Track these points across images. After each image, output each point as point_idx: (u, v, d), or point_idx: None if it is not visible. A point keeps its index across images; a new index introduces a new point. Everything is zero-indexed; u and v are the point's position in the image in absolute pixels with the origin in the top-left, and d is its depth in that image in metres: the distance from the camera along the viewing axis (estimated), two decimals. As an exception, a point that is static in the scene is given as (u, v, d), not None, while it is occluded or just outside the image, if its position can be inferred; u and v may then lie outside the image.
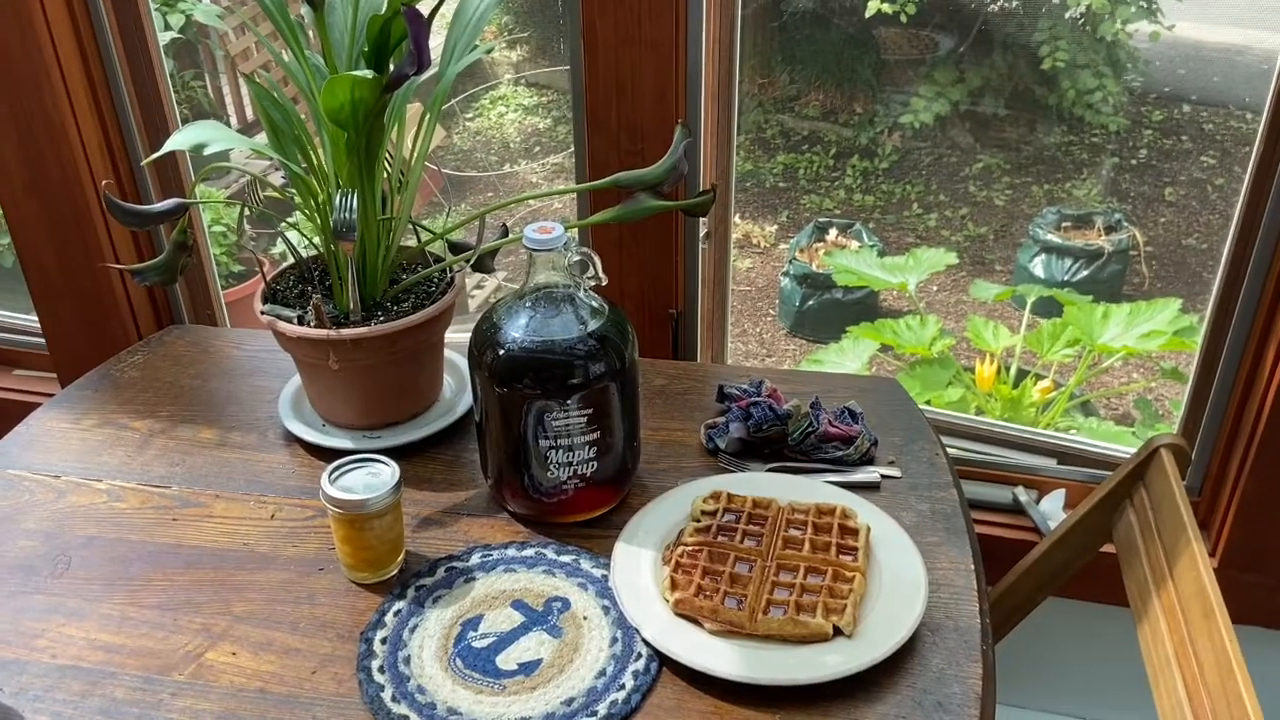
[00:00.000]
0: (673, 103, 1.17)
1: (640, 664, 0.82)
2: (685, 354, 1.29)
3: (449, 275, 1.07)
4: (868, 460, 1.03)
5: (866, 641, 0.81)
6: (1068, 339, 2.28)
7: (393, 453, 1.02)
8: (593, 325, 0.92)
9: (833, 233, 3.22)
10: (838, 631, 0.82)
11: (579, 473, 0.93)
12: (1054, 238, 3.11)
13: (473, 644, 0.84)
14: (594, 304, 0.93)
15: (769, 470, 1.03)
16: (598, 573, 0.91)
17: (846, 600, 0.84)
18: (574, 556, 0.92)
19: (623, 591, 0.87)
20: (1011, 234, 3.59)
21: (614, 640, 0.84)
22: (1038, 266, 3.12)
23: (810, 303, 3.08)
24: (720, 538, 0.91)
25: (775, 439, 1.04)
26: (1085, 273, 3.05)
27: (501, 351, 0.91)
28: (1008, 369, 2.31)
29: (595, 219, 1.06)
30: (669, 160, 1.03)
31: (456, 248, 1.09)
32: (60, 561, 0.93)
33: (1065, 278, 3.04)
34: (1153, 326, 2.14)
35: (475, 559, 0.92)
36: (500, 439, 0.95)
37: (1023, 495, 1.26)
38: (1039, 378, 2.31)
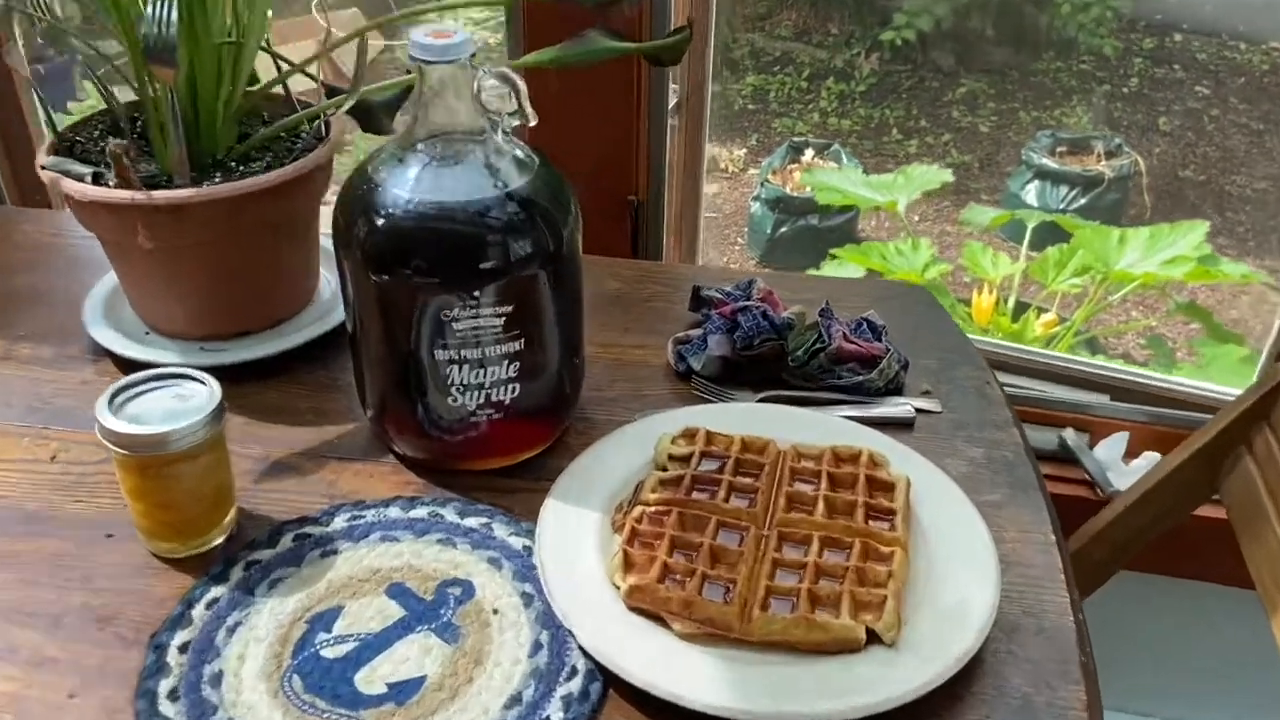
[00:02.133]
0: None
1: (575, 685, 0.54)
2: (648, 253, 1.00)
3: (322, 127, 0.77)
4: (895, 389, 0.76)
5: (915, 654, 0.54)
6: (1076, 266, 2.02)
7: (242, 373, 0.72)
8: (515, 184, 0.62)
9: (809, 154, 2.92)
10: (872, 637, 0.55)
11: (494, 399, 0.65)
12: (1049, 163, 2.84)
13: (322, 652, 0.55)
14: (518, 154, 0.64)
15: (762, 400, 0.75)
16: (517, 543, 0.62)
17: (885, 589, 0.56)
18: (485, 520, 0.64)
19: (552, 573, 0.58)
20: (998, 162, 3.33)
21: (536, 648, 0.56)
22: (1030, 194, 2.85)
23: (783, 229, 2.79)
24: (696, 494, 0.63)
25: (770, 359, 0.75)
26: (1083, 201, 2.79)
27: (379, 221, 0.61)
28: (1005, 301, 2.06)
29: (529, 59, 0.76)
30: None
31: (336, 92, 0.79)
32: None
33: (1061, 206, 2.78)
34: (1177, 252, 1.88)
35: (339, 523, 0.64)
36: (381, 352, 0.65)
37: (1072, 439, 0.99)
38: (1041, 311, 2.06)
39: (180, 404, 0.59)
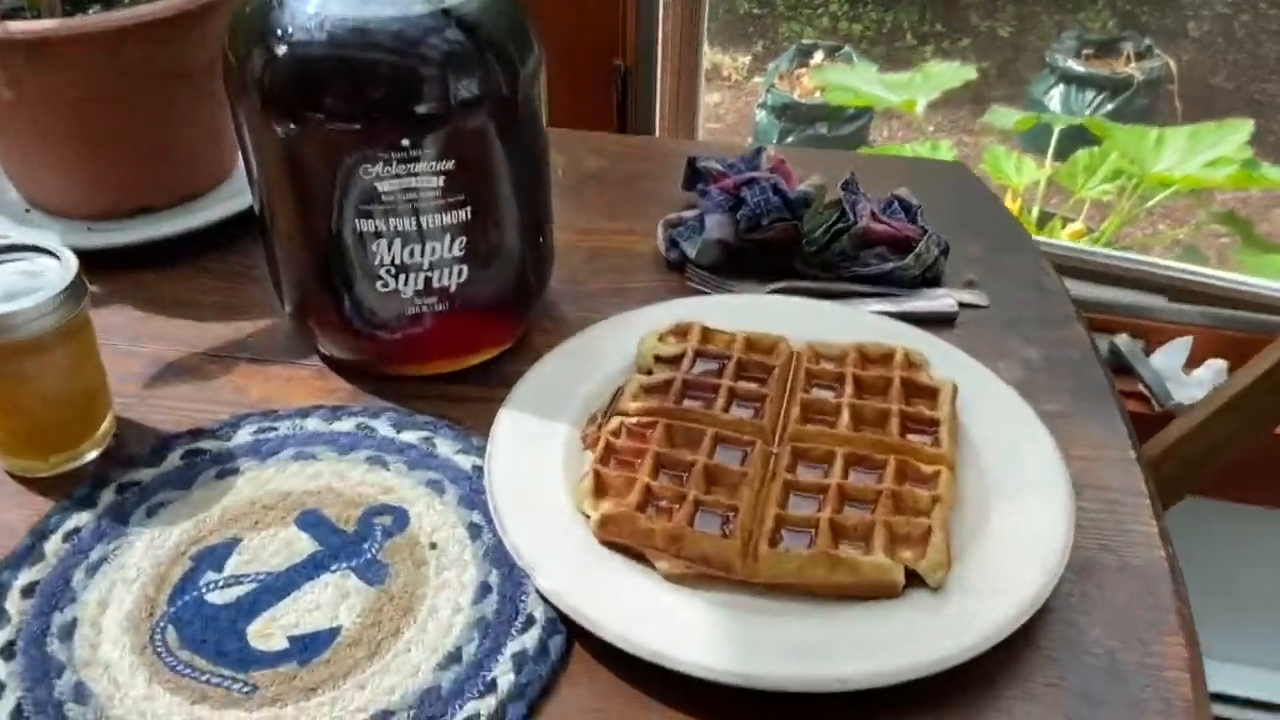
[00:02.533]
0: None
1: (530, 639, 0.42)
2: (636, 128, 0.85)
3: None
4: (934, 279, 0.63)
5: (968, 600, 0.42)
6: (1109, 171, 1.87)
7: (139, 258, 0.59)
8: (458, 0, 0.48)
9: (818, 56, 2.74)
10: (912, 579, 0.42)
11: (437, 286, 0.52)
12: (1075, 66, 2.66)
13: (208, 597, 0.43)
14: (461, -33, 0.50)
15: (773, 293, 0.62)
16: (465, 463, 0.50)
17: (928, 518, 0.44)
18: (425, 434, 0.51)
19: (506, 499, 0.46)
20: (1017, 69, 3.15)
21: (483, 591, 0.44)
22: (1054, 100, 2.68)
23: (790, 138, 2.62)
24: (688, 402, 0.51)
25: (781, 243, 0.62)
26: (1110, 107, 2.62)
27: (279, 48, 0.48)
28: (1029, 210, 1.91)
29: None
30: None
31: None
32: None
33: (1087, 112, 2.61)
34: (1219, 153, 1.73)
35: (244, 436, 0.51)
36: (293, 227, 0.52)
37: (1126, 346, 0.86)
38: (1067, 220, 1.91)
39: (26, 282, 0.46)
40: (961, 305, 0.61)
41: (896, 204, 0.65)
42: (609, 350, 0.55)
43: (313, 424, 0.52)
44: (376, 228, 0.50)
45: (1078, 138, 2.10)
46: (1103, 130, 1.93)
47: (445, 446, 0.51)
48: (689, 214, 0.65)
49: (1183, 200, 2.28)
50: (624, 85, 0.83)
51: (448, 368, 0.55)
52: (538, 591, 0.43)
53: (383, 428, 0.52)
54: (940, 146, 1.84)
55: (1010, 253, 0.66)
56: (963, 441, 0.49)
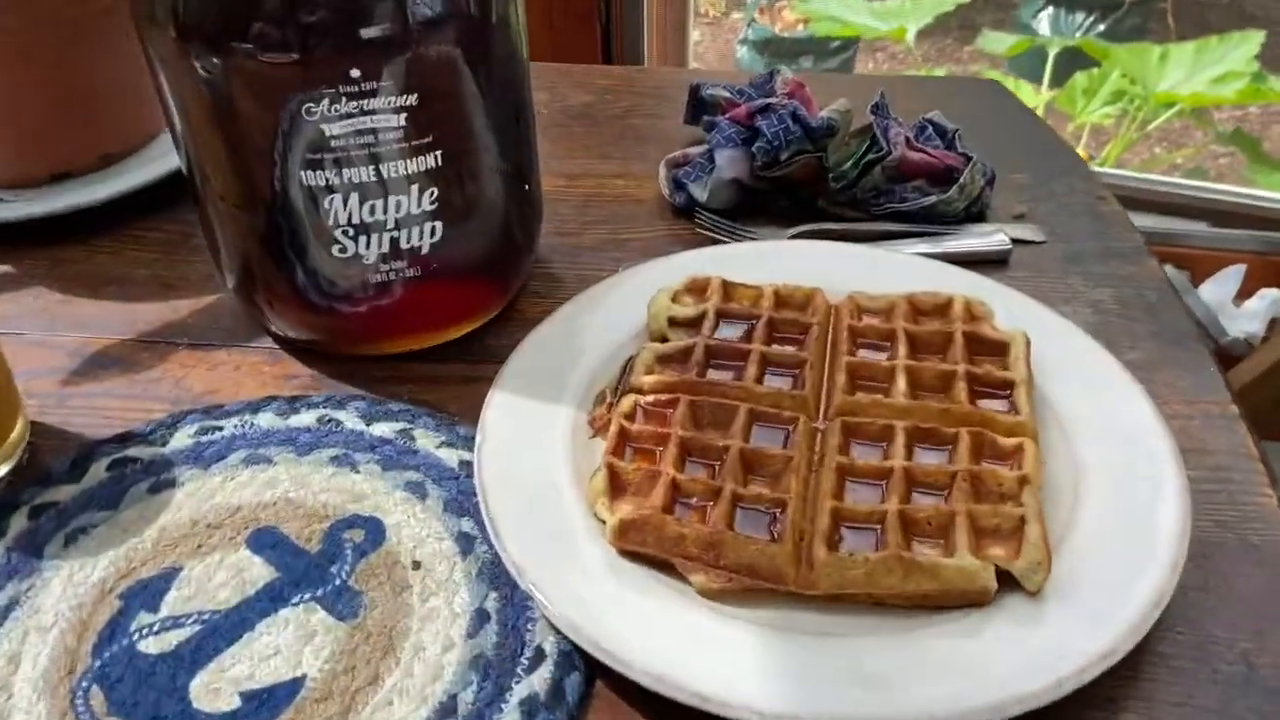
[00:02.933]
0: None
1: (540, 679, 0.34)
2: (622, 57, 0.76)
3: None
4: (979, 213, 0.54)
5: (1075, 606, 0.34)
6: (1109, 93, 1.78)
7: (58, 231, 0.50)
8: (408, -103, 0.39)
9: (800, -14, 2.62)
10: (1005, 582, 0.35)
11: (405, 247, 0.43)
12: (1065, -14, 2.56)
13: (141, 645, 0.35)
14: None
15: (796, 238, 0.53)
16: (450, 459, 0.42)
17: (1019, 505, 0.36)
18: (402, 426, 0.43)
19: (499, 504, 0.38)
20: (1004, -7, 3.04)
21: (480, 620, 0.36)
22: (1043, 23, 2.58)
23: (773, 74, 2.51)
24: (714, 373, 0.42)
25: (805, 179, 0.54)
26: (1102, 27, 2.52)
27: (195, -36, 0.38)
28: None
29: None
30: None
31: None
32: None
33: (1078, 34, 2.52)
34: (1227, 68, 1.64)
35: (182, 439, 0.43)
36: (228, 186, 0.43)
37: (1173, 277, 0.78)
38: (1069, 147, 1.83)
39: (-107, 269, 0.37)
40: (1014, 242, 0.53)
41: (930, 129, 0.56)
42: (614, 315, 0.46)
43: (265, 420, 0.44)
44: (328, 181, 0.41)
45: (1073, 61, 2.01)
46: (1100, 51, 1.84)
47: (426, 439, 0.43)
48: (695, 151, 0.57)
49: (1180, 123, 2.20)
50: (607, 14, 0.73)
51: (424, 344, 0.47)
52: (545, 619, 0.35)
53: (350, 420, 0.44)
54: (935, 74, 1.74)
55: (1060, 177, 0.58)
56: (1040, 406, 0.41)
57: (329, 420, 0.44)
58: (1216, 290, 0.79)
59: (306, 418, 0.44)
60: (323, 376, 0.46)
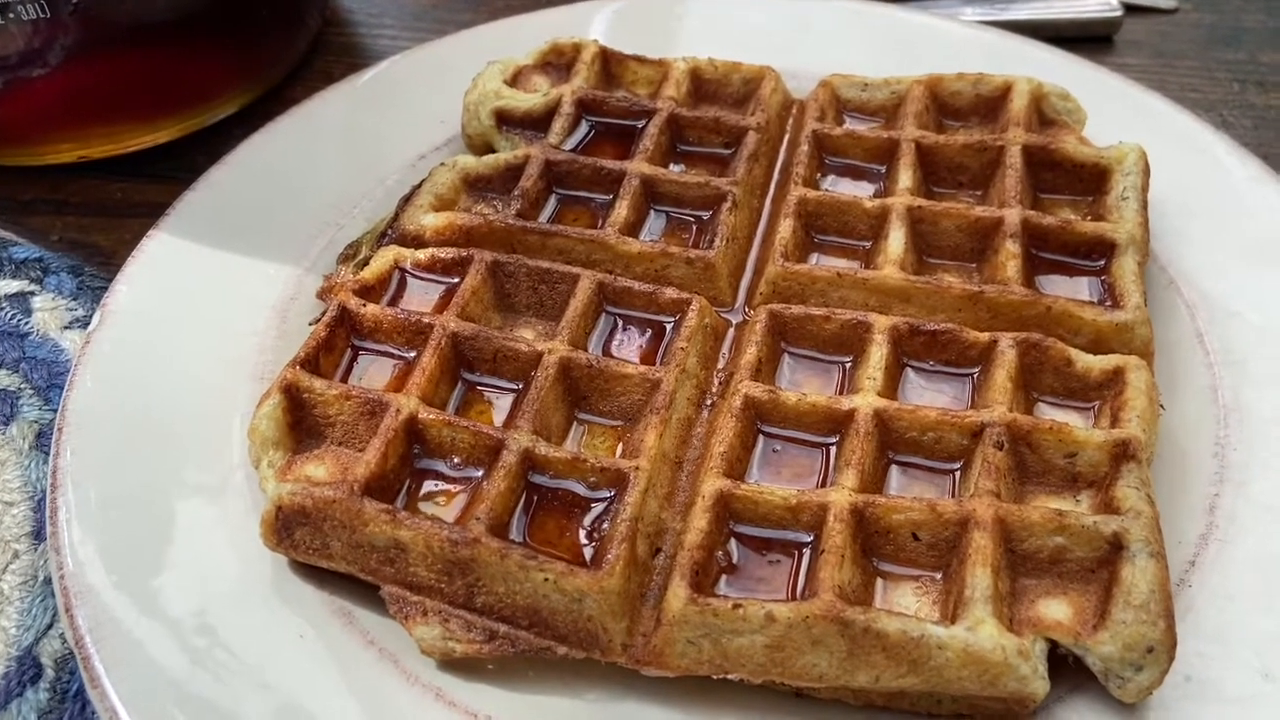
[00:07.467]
0: None
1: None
2: None
3: None
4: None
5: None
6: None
7: None
8: None
9: None
10: (1065, 673, 0.16)
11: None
12: None
13: None
14: None
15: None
16: (76, 350, 0.23)
17: (1113, 509, 0.17)
18: (19, 287, 0.25)
19: (83, 467, 0.19)
20: None
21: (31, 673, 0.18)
22: None
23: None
24: (550, 212, 0.23)
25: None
26: None
27: None
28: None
29: None
30: None
31: None
32: None
33: None
34: None
35: None
36: None
37: None
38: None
39: None
40: (1128, 9, 0.31)
41: None
42: (417, 108, 0.27)
43: None
44: None
45: None
46: None
47: (47, 313, 0.24)
48: None
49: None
50: None
51: (101, 150, 0.28)
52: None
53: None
54: None
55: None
56: (1161, 294, 0.22)
57: (-92, 273, 0.25)
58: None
59: (-128, 269, 0.25)
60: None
